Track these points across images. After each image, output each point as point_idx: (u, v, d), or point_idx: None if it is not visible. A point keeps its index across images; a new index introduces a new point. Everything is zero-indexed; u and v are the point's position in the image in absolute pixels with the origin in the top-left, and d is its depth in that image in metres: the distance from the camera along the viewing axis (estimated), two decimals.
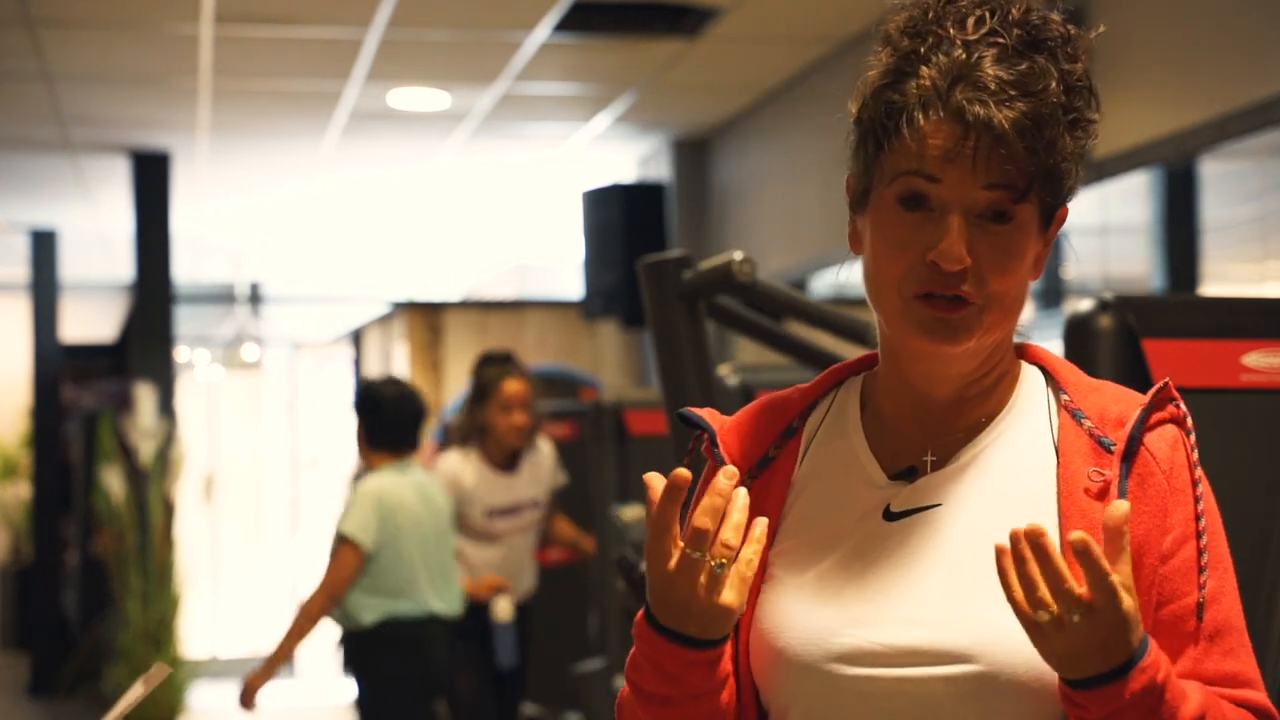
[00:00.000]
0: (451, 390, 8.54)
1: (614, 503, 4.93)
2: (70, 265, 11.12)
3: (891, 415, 1.49)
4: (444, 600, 5.09)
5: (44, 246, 10.64)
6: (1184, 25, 4.43)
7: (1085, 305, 2.22)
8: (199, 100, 7.21)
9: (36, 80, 6.81)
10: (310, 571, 11.96)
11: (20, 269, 11.14)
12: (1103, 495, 1.39)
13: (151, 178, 8.44)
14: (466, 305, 9.11)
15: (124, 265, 11.09)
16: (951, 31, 1.39)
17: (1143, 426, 1.42)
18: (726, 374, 3.97)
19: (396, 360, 8.86)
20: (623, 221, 7.71)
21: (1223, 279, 5.39)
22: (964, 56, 1.38)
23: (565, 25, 6.03)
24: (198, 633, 10.47)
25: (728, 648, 1.42)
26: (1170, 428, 1.43)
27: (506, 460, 5.58)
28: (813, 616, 1.42)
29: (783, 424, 1.53)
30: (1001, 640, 1.35)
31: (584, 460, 5.86)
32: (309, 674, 11.66)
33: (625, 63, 6.68)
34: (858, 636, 1.40)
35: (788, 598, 1.44)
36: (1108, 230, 5.98)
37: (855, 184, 1.46)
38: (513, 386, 5.49)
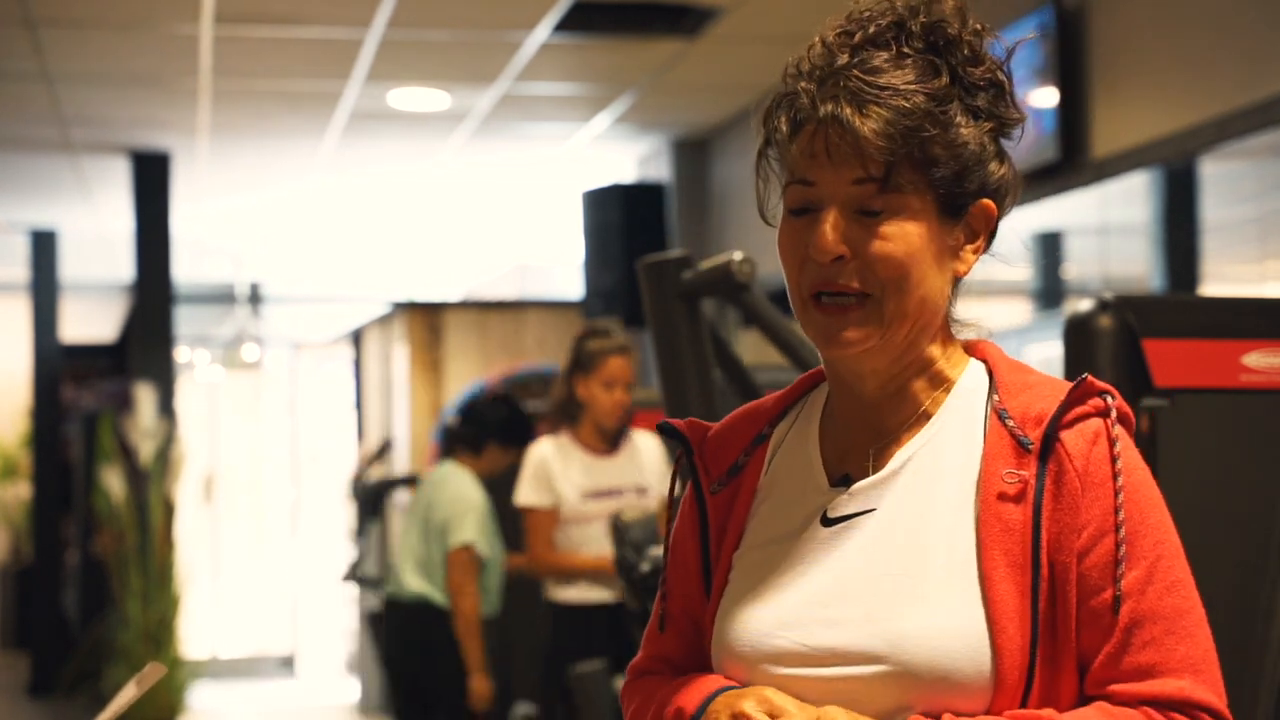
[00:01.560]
0: (451, 390, 8.54)
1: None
2: (70, 265, 11.12)
3: (844, 423, 1.53)
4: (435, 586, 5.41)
5: (44, 246, 10.64)
6: (1184, 25, 4.43)
7: (1085, 305, 2.22)
8: (199, 100, 7.21)
9: (36, 80, 6.81)
10: (310, 571, 11.97)
11: (20, 269, 11.13)
12: (1019, 498, 1.42)
13: (151, 178, 8.44)
14: (466, 305, 9.10)
15: (124, 265, 11.09)
16: (838, 50, 1.47)
17: (1058, 424, 1.44)
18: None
19: (396, 360, 8.86)
20: (623, 221, 7.71)
21: (1223, 279, 5.39)
22: (842, 61, 1.45)
23: (565, 25, 6.03)
24: (198, 633, 10.47)
25: None
26: (1093, 421, 1.45)
27: (604, 442, 5.08)
28: (752, 619, 1.48)
29: (754, 432, 1.58)
30: (905, 641, 1.40)
31: None
32: (309, 674, 11.66)
33: (625, 63, 6.68)
34: (786, 638, 1.46)
35: (736, 600, 1.50)
36: (1108, 230, 5.98)
37: (763, 204, 1.54)
38: (618, 363, 4.98)
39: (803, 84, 1.46)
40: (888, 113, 1.42)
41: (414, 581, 5.44)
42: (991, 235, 1.53)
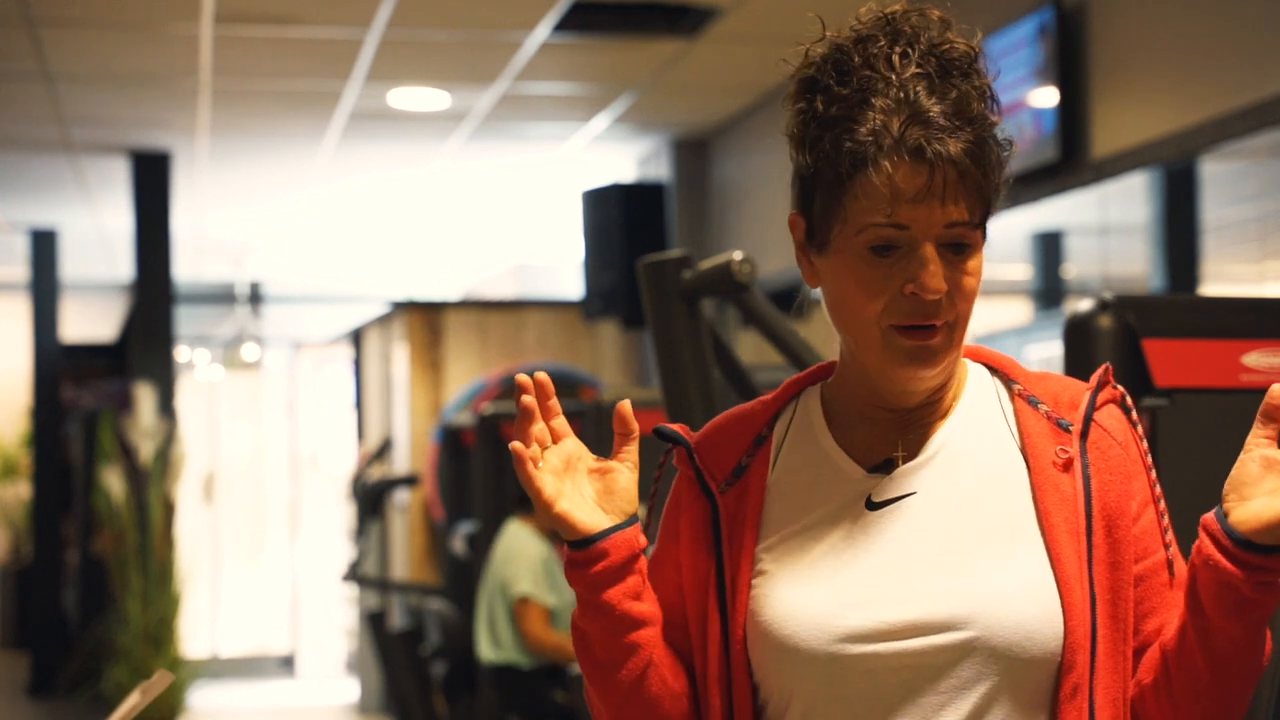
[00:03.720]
0: (451, 390, 8.54)
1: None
2: (70, 265, 11.12)
3: (860, 419, 1.58)
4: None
5: (44, 246, 10.64)
6: (1184, 25, 4.43)
7: (1085, 305, 2.22)
8: (199, 100, 7.21)
9: (36, 80, 6.81)
10: (310, 571, 11.97)
11: (20, 269, 11.13)
12: (1068, 468, 1.51)
13: (151, 178, 8.44)
14: (466, 305, 9.10)
15: (124, 265, 11.09)
16: (883, 71, 1.46)
17: (1093, 407, 1.54)
18: None
19: (396, 360, 8.86)
20: (623, 221, 7.70)
21: (1223, 279, 5.39)
22: (902, 95, 1.45)
23: (565, 25, 6.03)
24: (198, 633, 10.47)
25: (619, 581, 1.52)
26: (1113, 407, 1.56)
27: None
28: (813, 603, 1.50)
29: (753, 434, 1.61)
30: (987, 606, 1.45)
31: None
32: (309, 674, 11.66)
33: (625, 63, 6.68)
34: (858, 616, 1.48)
35: (783, 589, 1.52)
36: (1108, 230, 5.99)
37: (815, 226, 1.52)
38: None
39: (878, 116, 1.44)
40: (978, 147, 1.45)
41: (487, 652, 5.56)
42: None
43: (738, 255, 3.05)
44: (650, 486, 1.66)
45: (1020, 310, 7.99)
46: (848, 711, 1.48)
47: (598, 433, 5.44)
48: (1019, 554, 1.48)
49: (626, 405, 1.54)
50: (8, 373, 12.56)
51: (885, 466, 1.54)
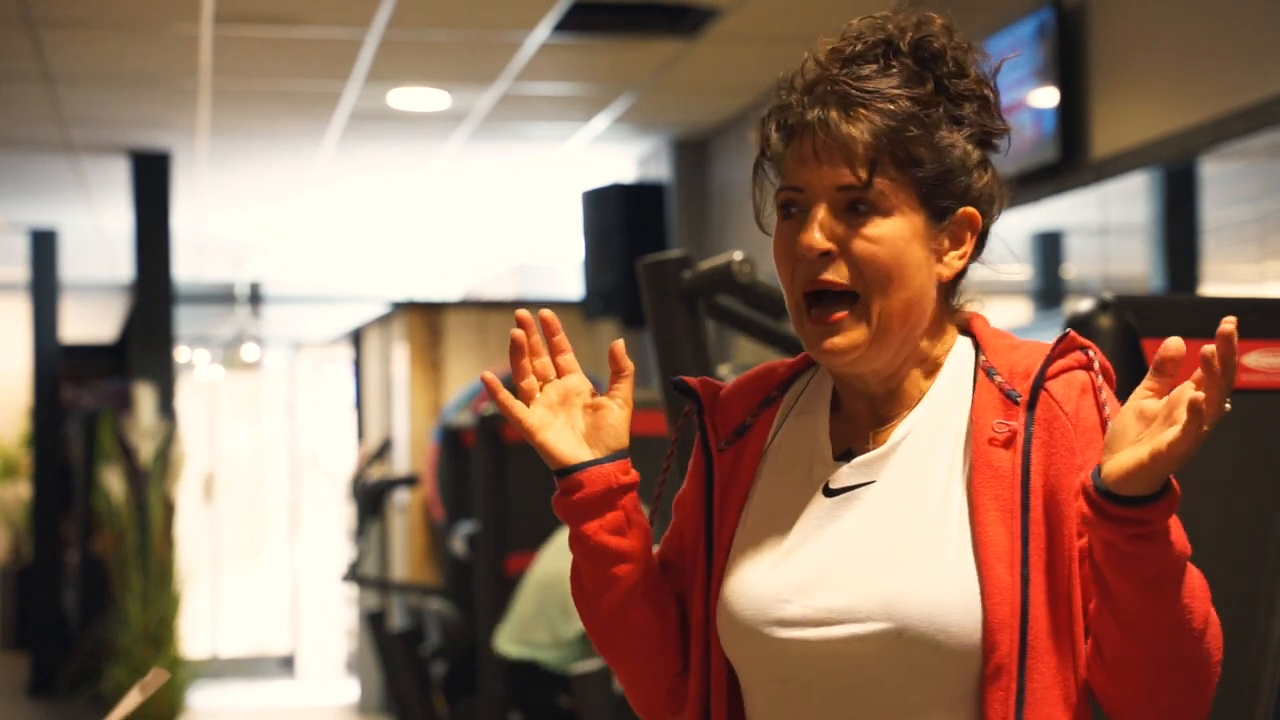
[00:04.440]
0: (451, 390, 8.54)
1: None
2: (70, 265, 11.11)
3: (847, 402, 1.61)
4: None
5: (44, 246, 10.64)
6: (1184, 25, 4.43)
7: (1085, 305, 2.22)
8: (199, 100, 7.21)
9: (36, 80, 6.81)
10: (310, 571, 11.98)
11: (20, 269, 11.13)
12: (1009, 444, 1.48)
13: (151, 178, 8.43)
14: (466, 305, 9.10)
15: (124, 265, 11.09)
16: (824, 57, 1.55)
17: (1044, 376, 1.50)
18: (726, 374, 3.97)
19: (396, 360, 8.87)
20: (623, 221, 7.70)
21: (1223, 279, 5.39)
22: (831, 72, 1.53)
23: (565, 25, 6.03)
24: (198, 633, 10.47)
25: (597, 514, 1.57)
26: (1078, 373, 1.51)
27: None
28: (758, 584, 1.54)
29: (762, 395, 1.65)
30: (910, 596, 1.46)
31: None
32: (309, 674, 11.66)
33: (625, 63, 6.68)
34: (791, 602, 1.51)
35: (743, 567, 1.56)
36: (1108, 230, 5.98)
37: (761, 214, 1.61)
38: None
39: (794, 96, 1.54)
40: (873, 114, 1.50)
41: (507, 645, 5.31)
42: (981, 242, 1.59)
43: (738, 255, 3.05)
44: (669, 447, 1.72)
45: (1020, 310, 7.99)
46: (787, 693, 1.52)
47: None
48: (948, 538, 1.48)
49: (619, 344, 1.60)
50: (8, 373, 12.55)
51: (846, 456, 1.57)
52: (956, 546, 1.48)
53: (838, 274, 1.50)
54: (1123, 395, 1.48)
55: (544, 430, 1.57)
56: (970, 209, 1.55)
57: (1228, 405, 1.32)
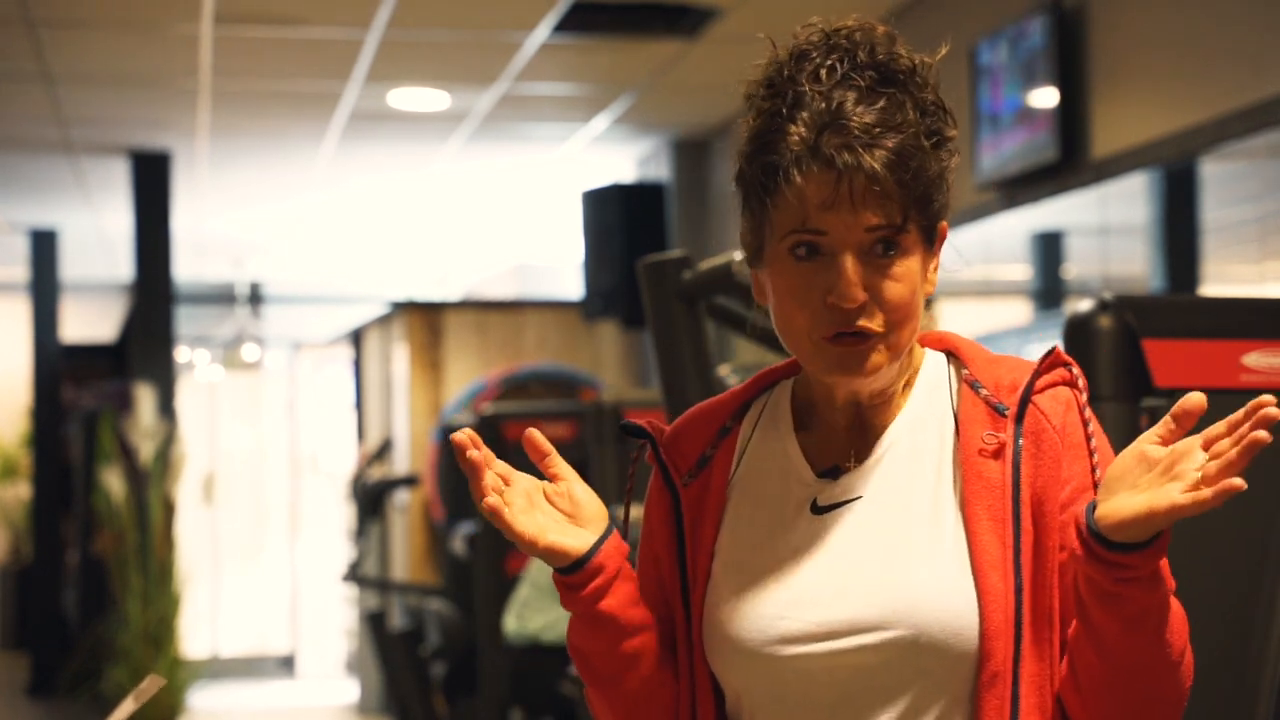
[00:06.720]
0: (451, 390, 8.54)
1: (614, 503, 4.94)
2: (70, 265, 11.11)
3: (819, 419, 1.59)
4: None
5: (44, 246, 10.64)
6: (1184, 25, 4.43)
7: (1085, 305, 2.22)
8: (199, 100, 7.21)
9: (36, 80, 6.81)
10: (310, 571, 11.97)
11: (20, 269, 11.13)
12: (998, 455, 1.50)
13: (151, 178, 8.43)
14: (466, 305, 9.10)
15: (124, 265, 11.09)
16: (807, 86, 1.50)
17: (1031, 390, 1.52)
18: (726, 374, 3.97)
19: (396, 360, 8.86)
20: (622, 221, 7.70)
21: (1223, 279, 5.39)
22: (824, 106, 1.48)
23: (565, 25, 6.03)
24: (198, 633, 10.47)
25: (614, 592, 1.53)
26: (1062, 389, 1.53)
27: None
28: (754, 605, 1.52)
29: (717, 425, 1.63)
30: (913, 604, 1.46)
31: (583, 460, 5.86)
32: (309, 674, 11.66)
33: (625, 63, 6.68)
34: (792, 619, 1.50)
35: (733, 589, 1.55)
36: (1107, 230, 5.98)
37: (748, 240, 1.60)
38: None
39: (797, 129, 1.49)
40: (897, 156, 1.47)
41: (514, 626, 5.31)
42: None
43: (738, 255, 3.04)
44: (626, 485, 1.69)
45: (1020, 310, 7.99)
46: (786, 711, 1.51)
47: (598, 433, 5.45)
48: (944, 548, 1.49)
49: (533, 433, 1.52)
50: (8, 373, 12.55)
51: (833, 472, 1.56)
52: (953, 554, 1.49)
53: (872, 320, 1.49)
54: (1122, 395, 1.48)
55: (546, 533, 1.51)
56: (944, 223, 1.55)
57: (1244, 484, 1.33)
